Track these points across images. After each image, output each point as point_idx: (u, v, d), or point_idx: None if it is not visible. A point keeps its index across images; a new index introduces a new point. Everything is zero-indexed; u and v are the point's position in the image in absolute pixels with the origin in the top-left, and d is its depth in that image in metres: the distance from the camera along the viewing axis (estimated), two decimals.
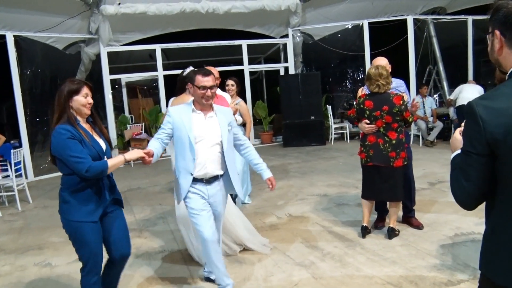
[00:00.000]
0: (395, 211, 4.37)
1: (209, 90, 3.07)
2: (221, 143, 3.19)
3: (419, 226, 4.55)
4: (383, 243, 4.22)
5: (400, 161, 4.18)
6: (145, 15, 9.78)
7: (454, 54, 12.35)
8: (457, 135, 1.76)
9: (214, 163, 3.18)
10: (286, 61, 12.55)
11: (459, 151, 1.63)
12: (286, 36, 12.25)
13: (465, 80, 10.86)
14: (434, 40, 11.90)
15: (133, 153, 2.81)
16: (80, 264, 2.76)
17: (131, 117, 11.33)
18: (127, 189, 7.43)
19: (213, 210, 3.25)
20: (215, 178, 3.23)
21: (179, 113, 3.15)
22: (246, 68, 11.99)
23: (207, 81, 3.07)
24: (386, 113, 4.13)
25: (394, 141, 4.16)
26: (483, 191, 1.49)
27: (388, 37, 11.75)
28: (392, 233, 4.34)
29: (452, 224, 4.60)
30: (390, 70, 4.51)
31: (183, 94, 3.97)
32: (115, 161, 2.70)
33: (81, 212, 2.64)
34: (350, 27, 11.84)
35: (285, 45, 12.44)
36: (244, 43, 11.73)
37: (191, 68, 3.96)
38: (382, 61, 4.51)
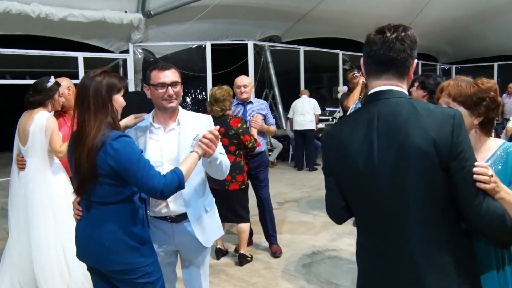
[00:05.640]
0: (244, 236, 4.26)
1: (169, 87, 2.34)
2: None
3: (275, 254, 4.41)
4: (246, 268, 4.13)
5: (236, 185, 4.08)
6: None
7: (288, 80, 13.34)
8: None
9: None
10: (125, 77, 11.89)
11: None
12: (127, 51, 11.63)
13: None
14: (271, 66, 12.66)
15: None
16: None
17: None
18: None
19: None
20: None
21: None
22: None
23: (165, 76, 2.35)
24: (222, 135, 4.04)
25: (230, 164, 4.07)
26: (338, 206, 1.60)
27: (229, 60, 12.12)
28: (243, 260, 4.22)
29: (307, 242, 4.76)
30: (253, 89, 4.53)
31: (37, 108, 3.26)
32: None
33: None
34: (193, 47, 11.85)
35: (125, 61, 11.78)
36: (80, 55, 10.70)
37: (52, 78, 3.32)
38: (245, 79, 4.47)
